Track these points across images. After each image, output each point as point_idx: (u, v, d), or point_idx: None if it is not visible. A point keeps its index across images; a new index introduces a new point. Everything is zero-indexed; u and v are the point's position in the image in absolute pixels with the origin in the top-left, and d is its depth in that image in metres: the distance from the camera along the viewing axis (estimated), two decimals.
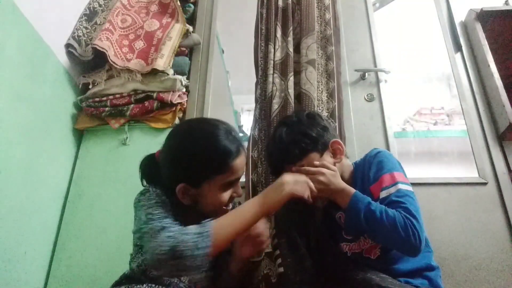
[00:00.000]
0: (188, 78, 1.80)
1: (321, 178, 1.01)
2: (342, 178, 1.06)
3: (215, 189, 0.93)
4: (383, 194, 0.99)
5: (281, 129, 1.12)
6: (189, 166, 0.92)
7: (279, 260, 0.95)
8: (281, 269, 0.94)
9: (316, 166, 1.03)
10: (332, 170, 1.04)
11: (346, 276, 0.93)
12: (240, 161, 0.95)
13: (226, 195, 0.94)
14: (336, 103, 1.54)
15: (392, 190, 0.98)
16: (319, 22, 1.75)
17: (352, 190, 1.00)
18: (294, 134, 1.09)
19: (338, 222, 1.09)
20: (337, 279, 0.94)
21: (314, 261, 0.94)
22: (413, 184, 1.04)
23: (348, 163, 1.16)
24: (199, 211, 0.96)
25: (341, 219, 1.08)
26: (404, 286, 0.91)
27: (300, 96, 1.52)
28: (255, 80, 1.69)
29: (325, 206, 1.13)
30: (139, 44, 1.77)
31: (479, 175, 1.53)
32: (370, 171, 1.06)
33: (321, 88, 1.58)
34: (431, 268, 1.00)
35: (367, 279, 0.91)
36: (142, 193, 0.96)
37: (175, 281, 0.95)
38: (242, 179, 1.41)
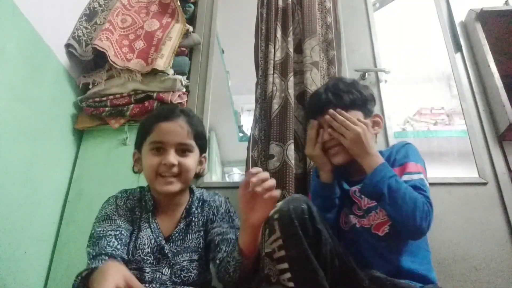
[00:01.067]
0: (188, 78, 1.80)
1: (359, 130, 1.02)
2: None
3: (147, 151, 1.03)
4: (405, 177, 0.99)
5: (337, 80, 1.19)
6: (138, 132, 1.10)
7: (288, 275, 0.86)
8: (291, 284, 0.85)
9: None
10: (372, 134, 1.06)
11: None
12: (167, 125, 1.02)
13: (154, 159, 1.01)
14: None
15: (415, 177, 0.99)
16: (320, 25, 1.75)
17: (382, 159, 1.01)
18: (350, 87, 1.14)
19: (351, 196, 1.10)
20: None
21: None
22: None
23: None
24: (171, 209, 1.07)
25: (356, 193, 1.09)
26: None
27: (304, 96, 1.52)
28: (255, 80, 1.68)
29: (339, 180, 1.14)
30: (139, 44, 1.77)
31: (479, 175, 1.53)
32: (398, 155, 1.07)
33: None
34: (430, 281, 0.98)
35: None
36: (106, 200, 1.09)
37: (158, 276, 0.98)
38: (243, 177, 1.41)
